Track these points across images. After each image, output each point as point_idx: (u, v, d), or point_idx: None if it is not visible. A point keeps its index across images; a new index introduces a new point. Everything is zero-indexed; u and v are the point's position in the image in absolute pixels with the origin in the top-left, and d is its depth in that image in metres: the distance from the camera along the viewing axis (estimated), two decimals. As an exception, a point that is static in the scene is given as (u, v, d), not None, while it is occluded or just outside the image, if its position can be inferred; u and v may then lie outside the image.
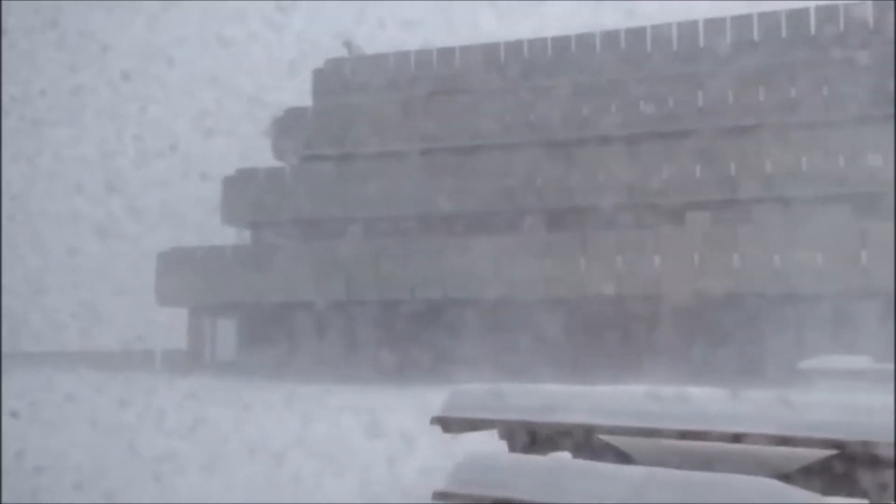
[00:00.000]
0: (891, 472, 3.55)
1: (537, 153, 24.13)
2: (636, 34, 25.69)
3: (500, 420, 4.73)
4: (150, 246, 25.28)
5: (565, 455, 4.80)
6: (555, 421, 4.50)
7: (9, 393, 11.38)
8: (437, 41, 27.25)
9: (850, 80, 22.29)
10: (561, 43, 26.39)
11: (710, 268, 20.94)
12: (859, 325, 20.05)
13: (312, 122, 27.10)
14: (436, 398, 5.19)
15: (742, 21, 24.88)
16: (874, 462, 3.49)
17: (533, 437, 4.74)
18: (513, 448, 4.85)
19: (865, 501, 3.64)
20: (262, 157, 26.17)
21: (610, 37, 25.93)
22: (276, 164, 27.56)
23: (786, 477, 3.66)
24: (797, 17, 24.49)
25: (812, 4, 24.36)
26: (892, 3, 23.13)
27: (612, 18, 25.69)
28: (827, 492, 3.70)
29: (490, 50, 27.01)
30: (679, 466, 3.95)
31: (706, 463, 3.99)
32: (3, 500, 5.32)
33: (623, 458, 4.50)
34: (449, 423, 4.92)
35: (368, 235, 25.25)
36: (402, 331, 23.08)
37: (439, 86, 26.69)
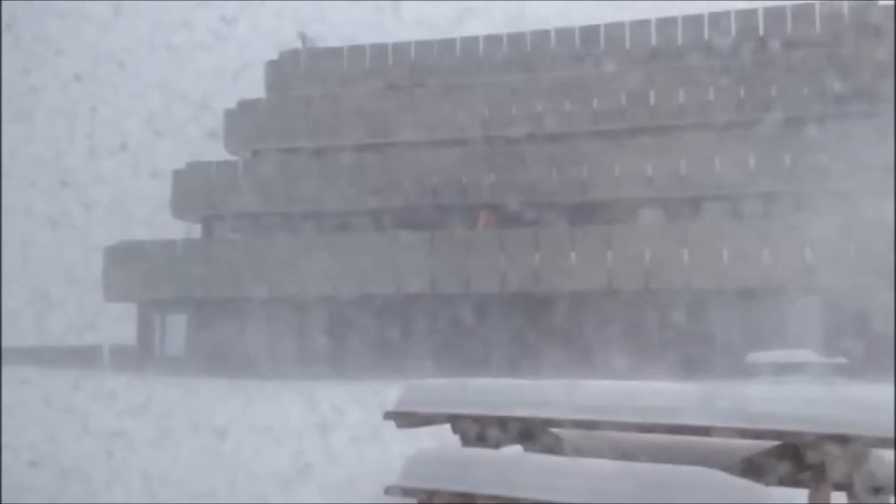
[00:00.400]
0: (831, 462, 3.66)
1: (493, 149, 24.23)
2: (589, 32, 25.93)
3: (453, 414, 4.76)
4: (102, 240, 25.02)
5: (518, 449, 4.85)
6: (507, 415, 4.54)
7: None
8: (398, 37, 27.24)
9: (794, 80, 22.83)
10: (516, 40, 26.52)
11: (661, 263, 21.29)
12: (803, 320, 20.59)
13: (265, 115, 26.82)
14: (387, 393, 5.21)
15: (693, 20, 25.29)
16: (815, 453, 3.60)
17: (486, 432, 4.78)
18: (466, 442, 4.88)
19: (806, 490, 3.75)
20: (210, 156, 26.06)
21: (564, 34, 26.13)
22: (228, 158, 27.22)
23: (731, 468, 3.75)
24: (746, 17, 24.99)
25: (762, 5, 24.88)
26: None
27: (572, 16, 25.98)
28: (770, 482, 3.80)
29: (446, 45, 27.02)
30: (629, 459, 4.02)
31: (655, 455, 4.06)
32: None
33: (574, 450, 4.56)
34: (402, 418, 4.93)
35: (321, 230, 25.09)
36: (356, 326, 23.00)
37: (394, 80, 26.63)
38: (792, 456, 3.68)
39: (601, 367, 14.75)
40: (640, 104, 24.08)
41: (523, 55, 26.09)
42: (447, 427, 4.95)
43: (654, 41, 25.49)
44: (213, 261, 24.26)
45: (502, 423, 4.64)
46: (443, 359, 20.03)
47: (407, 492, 4.22)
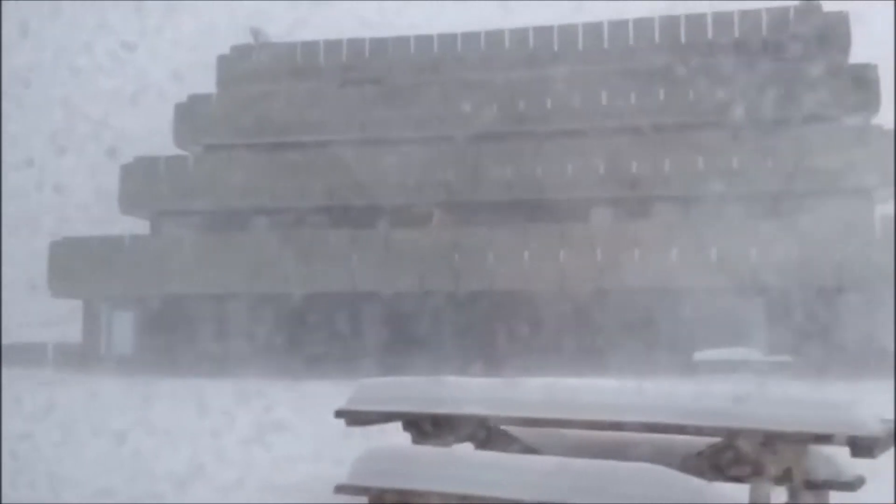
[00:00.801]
0: (773, 458, 3.76)
1: (447, 147, 24.28)
2: (543, 33, 26.14)
3: (403, 412, 4.77)
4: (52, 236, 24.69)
5: (468, 446, 4.89)
6: (458, 413, 4.57)
7: None
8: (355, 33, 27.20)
9: (747, 85, 23.32)
10: (470, 39, 26.59)
11: (612, 263, 21.58)
12: (749, 319, 21.06)
13: (216, 110, 26.44)
14: (339, 391, 5.19)
15: (644, 23, 25.66)
16: (756, 449, 3.69)
17: (436, 429, 4.80)
18: (416, 440, 4.89)
19: (747, 486, 3.85)
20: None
21: (518, 35, 26.29)
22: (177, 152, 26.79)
23: (675, 464, 3.83)
24: (695, 21, 25.44)
25: (711, 9, 25.34)
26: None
27: (534, 17, 26.30)
28: (713, 477, 3.89)
29: (400, 43, 26.98)
30: (576, 455, 4.08)
31: (601, 451, 4.13)
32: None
33: (524, 448, 4.61)
34: (353, 417, 4.92)
35: (274, 227, 24.85)
36: (308, 324, 22.85)
37: (348, 76, 26.49)
38: (733, 452, 3.77)
39: (552, 365, 14.89)
40: (592, 105, 24.34)
41: (478, 55, 26.18)
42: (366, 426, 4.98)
43: (606, 44, 25.80)
44: (161, 257, 23.86)
45: (453, 421, 4.67)
46: (396, 357, 20.01)
47: (357, 490, 4.22)
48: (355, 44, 27.27)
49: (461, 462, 4.20)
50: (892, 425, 3.90)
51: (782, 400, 3.84)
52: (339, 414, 4.95)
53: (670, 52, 24.82)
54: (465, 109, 24.76)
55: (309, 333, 22.71)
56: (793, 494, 3.97)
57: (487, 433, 4.72)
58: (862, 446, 3.59)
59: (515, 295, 22.05)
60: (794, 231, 20.51)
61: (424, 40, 26.85)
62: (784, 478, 3.89)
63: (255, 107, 25.89)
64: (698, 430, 3.71)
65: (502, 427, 4.66)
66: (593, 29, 25.94)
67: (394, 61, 26.57)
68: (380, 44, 27.10)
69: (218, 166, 25.33)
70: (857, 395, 3.98)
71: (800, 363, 17.05)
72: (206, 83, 27.38)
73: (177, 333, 23.40)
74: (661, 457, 3.90)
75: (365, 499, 4.26)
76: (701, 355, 17.51)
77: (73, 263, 24.14)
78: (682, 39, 25.30)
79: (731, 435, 3.71)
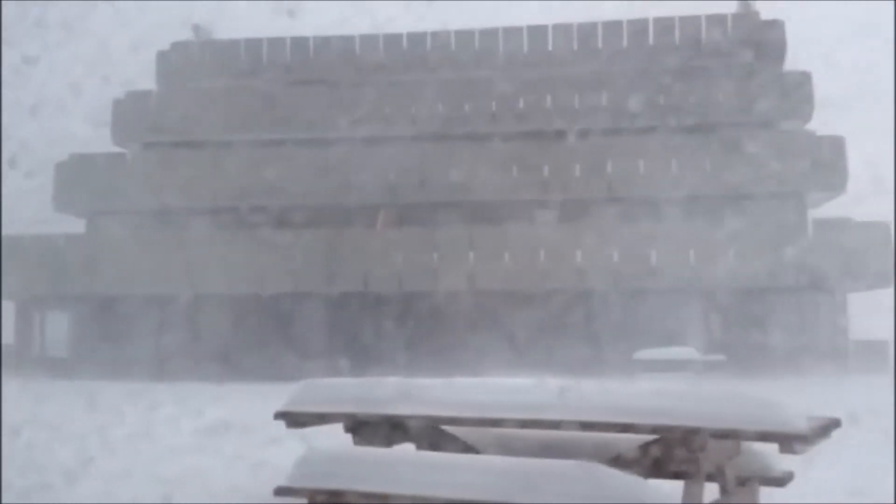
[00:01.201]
0: (706, 455, 3.86)
1: (392, 148, 24.22)
2: (489, 35, 26.30)
3: (344, 413, 4.75)
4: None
5: (410, 447, 4.89)
6: (399, 413, 4.57)
7: None
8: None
9: (688, 89, 23.83)
10: (417, 39, 26.60)
11: (555, 264, 21.84)
12: (687, 319, 21.53)
13: (156, 107, 25.92)
14: (279, 393, 5.15)
15: (586, 28, 26.02)
16: (689, 446, 3.79)
17: (378, 430, 4.79)
18: (358, 441, 4.88)
19: (681, 482, 3.94)
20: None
21: (463, 36, 26.39)
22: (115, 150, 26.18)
23: (612, 461, 3.91)
24: (638, 25, 25.89)
25: (652, 16, 25.82)
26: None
27: (479, 19, 26.39)
28: (649, 474, 3.97)
29: (345, 42, 26.82)
30: (517, 454, 4.12)
31: (541, 450, 4.18)
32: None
33: (465, 448, 4.64)
34: (293, 418, 4.88)
35: (214, 226, 24.46)
36: (249, 325, 22.57)
37: (293, 75, 26.24)
38: (668, 449, 3.86)
39: (494, 365, 15.00)
40: (536, 108, 24.58)
41: (425, 56, 26.20)
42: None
43: (550, 46, 26.08)
44: (98, 257, 23.28)
45: (394, 421, 4.67)
46: (338, 358, 19.89)
47: (297, 492, 4.19)
48: (300, 42, 27.03)
49: (402, 463, 4.21)
50: (819, 422, 4.04)
51: (715, 398, 3.94)
52: (279, 415, 4.90)
53: (612, 57, 25.21)
54: (411, 110, 24.77)
55: (249, 335, 22.43)
56: (724, 490, 4.07)
57: (429, 434, 4.73)
58: (790, 443, 3.71)
59: (459, 295, 22.13)
60: (729, 234, 21.03)
61: (370, 40, 26.76)
62: (716, 474, 4.00)
63: (196, 104, 25.46)
64: (634, 428, 3.79)
65: (443, 427, 4.68)
66: (538, 31, 26.20)
67: (339, 61, 26.41)
68: (325, 43, 26.91)
69: (157, 165, 24.84)
70: (787, 393, 4.11)
71: (733, 362, 17.51)
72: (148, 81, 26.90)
73: (113, 335, 22.87)
74: (598, 454, 3.97)
75: (305, 500, 4.23)
76: (640, 355, 17.84)
77: (5, 263, 23.40)
78: (625, 44, 25.72)
79: (666, 432, 3.80)
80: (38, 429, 8.62)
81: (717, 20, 25.57)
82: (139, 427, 8.97)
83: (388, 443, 4.80)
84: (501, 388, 4.31)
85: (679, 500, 3.81)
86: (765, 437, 3.73)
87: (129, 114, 25.82)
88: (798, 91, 23.52)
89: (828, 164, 22.45)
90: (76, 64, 28.83)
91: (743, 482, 4.26)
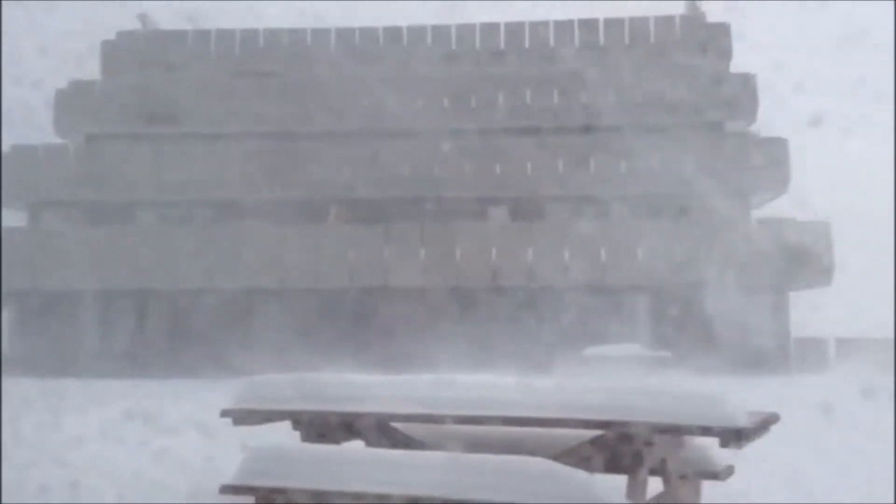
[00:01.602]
0: (650, 449, 3.94)
1: (344, 143, 24.08)
2: (441, 32, 26.33)
3: (292, 411, 4.72)
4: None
5: (359, 444, 4.88)
6: (347, 410, 4.56)
7: None
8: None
9: (634, 90, 24.17)
10: (369, 35, 26.48)
11: (507, 261, 21.99)
12: (635, 316, 21.86)
13: (100, 98, 25.32)
14: (226, 389, 5.09)
15: (539, 27, 26.22)
16: (633, 441, 3.86)
17: (327, 427, 4.78)
18: (306, 438, 4.86)
19: (625, 476, 4.02)
20: None
21: (417, 32, 26.36)
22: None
23: (558, 457, 3.96)
24: (589, 25, 26.18)
25: (602, 16, 26.14)
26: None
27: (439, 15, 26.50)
28: (594, 469, 4.04)
29: (296, 35, 26.57)
30: (467, 450, 4.15)
31: (490, 446, 4.22)
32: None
33: (414, 444, 4.65)
34: (239, 416, 4.83)
35: (160, 221, 24.02)
36: (197, 321, 22.23)
37: (241, 67, 25.88)
38: (613, 444, 3.93)
39: (444, 361, 15.04)
40: (489, 106, 24.67)
41: (376, 50, 26.09)
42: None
43: (503, 45, 26.22)
44: (40, 251, 22.68)
45: (344, 418, 4.66)
46: (287, 354, 19.72)
47: (243, 490, 4.15)
48: (249, 35, 26.68)
49: (351, 460, 4.20)
50: (759, 417, 4.15)
51: (660, 393, 4.02)
52: (226, 413, 4.85)
53: (563, 56, 25.44)
54: (363, 105, 24.64)
55: (197, 331, 22.10)
56: (668, 484, 4.16)
57: (378, 430, 4.73)
58: (731, 438, 3.81)
59: (410, 292, 22.12)
60: (676, 233, 21.42)
61: (321, 34, 26.55)
62: (660, 469, 4.08)
63: (142, 95, 24.93)
64: (581, 424, 3.85)
65: (393, 424, 4.68)
66: (489, 28, 26.33)
67: (289, 54, 26.14)
68: (275, 35, 26.60)
69: (101, 156, 24.29)
70: (729, 389, 4.21)
71: (679, 358, 17.84)
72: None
73: (55, 331, 22.30)
74: (545, 450, 4.02)
75: (252, 499, 4.19)
76: (590, 351, 18.08)
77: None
78: (577, 43, 25.98)
79: (612, 428, 3.87)
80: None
81: (664, 21, 26.01)
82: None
83: (338, 440, 4.80)
84: (450, 384, 4.34)
85: (623, 494, 3.88)
86: (706, 431, 3.82)
87: (72, 104, 25.18)
88: (743, 92, 24.04)
89: (771, 165, 22.99)
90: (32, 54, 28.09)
91: (685, 476, 4.35)
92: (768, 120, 24.31)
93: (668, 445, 4.01)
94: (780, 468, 5.80)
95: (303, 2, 25.92)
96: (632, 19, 26.07)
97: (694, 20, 26.03)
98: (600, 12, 26.03)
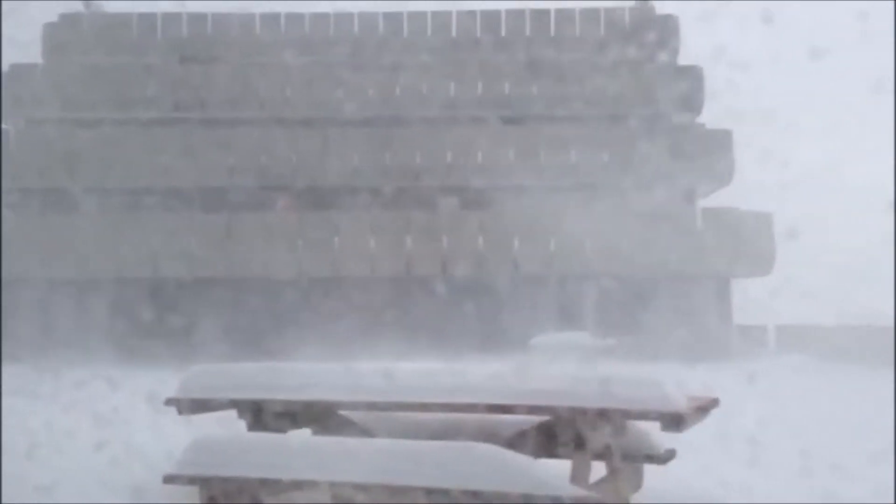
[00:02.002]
0: (593, 434, 4.00)
1: (293, 131, 23.81)
2: (393, 19, 26.21)
3: (237, 399, 4.68)
4: None
5: (305, 432, 4.87)
6: (293, 399, 4.55)
7: None
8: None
9: (583, 80, 24.39)
10: (318, 21, 26.21)
11: (457, 250, 22.05)
12: (582, 305, 22.14)
13: (42, 82, 24.61)
14: (169, 379, 5.03)
15: (490, 16, 26.29)
16: (577, 426, 3.92)
17: (273, 416, 4.75)
18: (252, 427, 4.82)
19: (569, 461, 4.08)
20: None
21: (367, 19, 26.19)
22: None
23: (503, 442, 4.01)
24: (540, 15, 26.33)
25: (553, 6, 26.30)
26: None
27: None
28: (539, 454, 4.10)
29: (245, 20, 26.16)
30: (411, 437, 4.18)
31: (436, 432, 4.24)
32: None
33: (360, 431, 4.65)
34: (184, 405, 4.78)
35: (104, 208, 23.48)
36: (141, 310, 21.81)
37: (186, 52, 25.39)
38: (557, 429, 3.99)
39: (392, 349, 15.06)
40: (438, 95, 24.65)
41: (327, 37, 25.85)
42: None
43: (454, 33, 26.22)
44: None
45: (289, 407, 4.64)
46: (232, 344, 19.53)
47: (187, 480, 4.11)
48: (196, 19, 26.19)
49: (297, 448, 4.19)
50: (699, 402, 4.25)
51: (603, 380, 4.09)
52: (170, 402, 4.79)
53: (514, 45, 25.54)
54: (312, 92, 24.41)
55: (141, 321, 21.70)
56: (611, 468, 4.24)
57: (325, 418, 4.73)
58: (672, 421, 3.89)
59: (360, 281, 22.04)
60: (622, 222, 21.72)
61: (271, 19, 26.20)
62: (604, 453, 4.15)
63: (85, 79, 24.31)
64: (524, 410, 3.90)
65: (340, 412, 4.68)
66: (441, 17, 26.30)
67: (236, 40, 25.74)
68: (223, 20, 26.16)
69: (42, 142, 23.62)
70: (669, 375, 4.30)
71: (624, 347, 18.14)
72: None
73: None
74: (491, 436, 4.06)
75: (195, 489, 4.16)
76: (537, 339, 18.24)
77: None
78: (528, 32, 26.11)
79: (555, 413, 3.92)
80: None
81: (614, 13, 26.28)
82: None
83: (283, 428, 4.78)
84: (396, 372, 4.35)
85: (567, 479, 3.94)
86: (647, 415, 3.91)
87: (12, 88, 24.42)
88: (690, 84, 24.44)
89: (716, 156, 23.44)
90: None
91: (628, 460, 4.44)
92: (715, 110, 24.78)
93: (612, 430, 4.09)
94: (715, 452, 5.93)
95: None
96: (582, 10, 26.29)
97: (642, 12, 26.36)
98: (552, 4, 26.23)
